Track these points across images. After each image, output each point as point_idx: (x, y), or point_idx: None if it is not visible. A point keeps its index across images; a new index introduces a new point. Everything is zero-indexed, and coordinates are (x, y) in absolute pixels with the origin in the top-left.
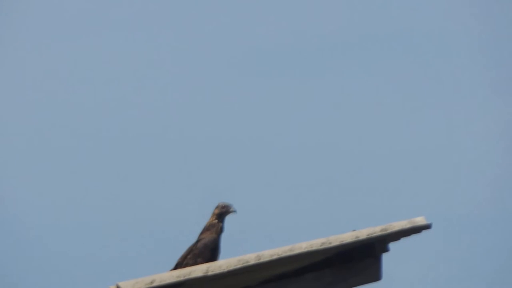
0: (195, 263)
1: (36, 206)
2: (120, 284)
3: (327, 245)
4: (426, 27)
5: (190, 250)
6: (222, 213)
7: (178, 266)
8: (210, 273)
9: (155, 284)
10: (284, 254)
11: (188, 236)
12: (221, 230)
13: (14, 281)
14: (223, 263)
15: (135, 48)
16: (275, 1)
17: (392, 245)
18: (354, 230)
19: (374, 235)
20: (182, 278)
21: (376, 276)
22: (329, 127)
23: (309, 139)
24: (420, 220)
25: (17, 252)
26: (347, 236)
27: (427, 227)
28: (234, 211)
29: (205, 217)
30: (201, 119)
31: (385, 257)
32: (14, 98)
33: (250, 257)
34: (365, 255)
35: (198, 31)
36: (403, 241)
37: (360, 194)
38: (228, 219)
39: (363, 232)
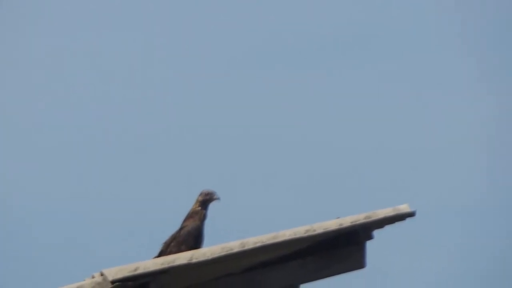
0: (179, 250)
1: (35, 206)
2: (104, 271)
3: (311, 233)
4: (424, 25)
5: (174, 238)
6: (206, 200)
7: (161, 253)
8: (194, 260)
9: (139, 271)
10: (268, 242)
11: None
12: (204, 217)
13: (11, 278)
14: (207, 251)
15: (134, 47)
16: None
17: (376, 233)
18: (338, 218)
19: (358, 222)
20: (166, 266)
21: (360, 263)
22: (318, 121)
23: (294, 132)
24: (404, 208)
25: (16, 250)
26: (331, 224)
27: (411, 214)
28: (218, 198)
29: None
30: (200, 118)
31: (369, 245)
32: (11, 97)
33: (234, 245)
34: (349, 242)
35: (198, 29)
36: (388, 228)
37: (349, 189)
38: (213, 207)
39: (347, 220)
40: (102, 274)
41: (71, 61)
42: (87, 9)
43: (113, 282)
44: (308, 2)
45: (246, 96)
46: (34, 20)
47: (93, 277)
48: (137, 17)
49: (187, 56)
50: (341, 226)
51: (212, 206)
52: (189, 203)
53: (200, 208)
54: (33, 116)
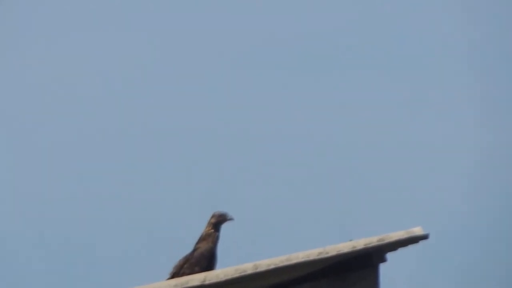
0: (192, 272)
1: (37, 210)
2: None
3: (324, 255)
4: (422, 32)
5: (187, 260)
6: (218, 222)
7: (174, 275)
8: (207, 282)
9: None
10: (281, 264)
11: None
12: (217, 239)
13: (14, 279)
14: (220, 272)
15: (133, 47)
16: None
17: (389, 255)
18: (351, 240)
19: (371, 245)
20: (179, 287)
21: (373, 286)
22: (328, 133)
23: (307, 145)
24: (417, 231)
25: (20, 251)
26: (344, 246)
27: (424, 237)
28: (232, 219)
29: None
30: (203, 118)
31: (383, 268)
32: (12, 97)
33: (247, 267)
34: (363, 265)
35: (198, 29)
36: (401, 251)
37: (358, 204)
38: (225, 227)
39: (360, 242)
40: None
41: (71, 61)
42: (86, 10)
43: None
44: (306, 4)
45: (252, 101)
46: (33, 20)
47: None
48: (136, 19)
49: (187, 57)
50: (354, 249)
51: (225, 228)
52: (200, 216)
53: (213, 230)
54: (34, 116)
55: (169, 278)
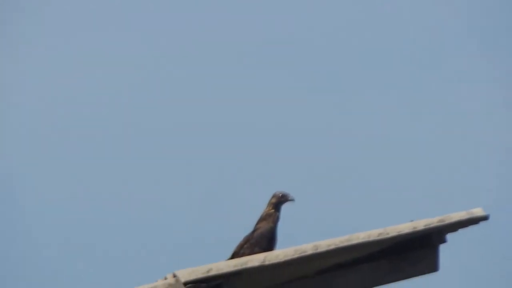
0: (252, 252)
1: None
2: (177, 272)
3: (384, 236)
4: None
5: (247, 240)
6: (279, 202)
7: (234, 255)
8: (267, 262)
9: (212, 273)
10: (341, 244)
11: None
12: (277, 219)
13: (14, 279)
14: (280, 253)
15: (133, 48)
16: None
17: (449, 236)
18: (411, 221)
19: (431, 226)
20: (239, 267)
21: (433, 267)
22: (378, 117)
23: (361, 130)
24: (478, 211)
25: (20, 251)
26: (404, 227)
27: (485, 218)
28: (293, 199)
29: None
30: (203, 117)
31: (442, 248)
32: (14, 97)
33: (307, 247)
34: (423, 246)
35: (199, 27)
36: (462, 232)
37: (417, 185)
38: (284, 209)
39: (421, 223)
40: (174, 276)
41: (72, 61)
42: (86, 10)
43: (185, 283)
44: (307, 3)
45: (253, 100)
46: (34, 20)
47: (165, 278)
48: (135, 19)
49: (187, 56)
50: (415, 229)
51: (285, 209)
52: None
53: (273, 210)
54: (34, 116)
55: (229, 258)
